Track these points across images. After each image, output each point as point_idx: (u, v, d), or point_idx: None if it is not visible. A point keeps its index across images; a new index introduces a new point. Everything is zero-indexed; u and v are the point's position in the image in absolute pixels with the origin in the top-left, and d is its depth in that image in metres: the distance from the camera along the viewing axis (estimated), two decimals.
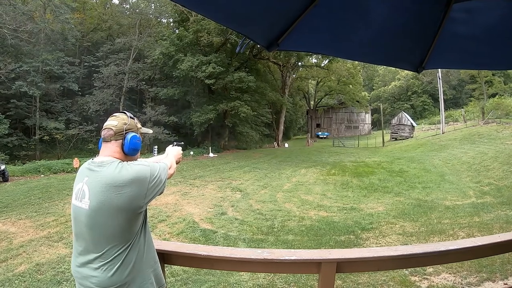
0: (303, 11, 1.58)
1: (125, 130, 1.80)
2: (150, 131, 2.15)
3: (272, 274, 5.12)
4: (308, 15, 1.60)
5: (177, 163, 2.18)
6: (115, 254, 1.66)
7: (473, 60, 2.09)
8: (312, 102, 60.13)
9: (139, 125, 1.93)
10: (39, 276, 5.66)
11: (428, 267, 5.03)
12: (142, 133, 1.96)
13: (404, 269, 4.95)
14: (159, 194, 1.82)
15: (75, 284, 1.82)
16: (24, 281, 5.49)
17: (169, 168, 1.96)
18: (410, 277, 4.84)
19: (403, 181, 14.62)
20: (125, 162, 1.75)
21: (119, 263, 1.66)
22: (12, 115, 27.19)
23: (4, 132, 24.34)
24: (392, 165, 19.62)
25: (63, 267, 6.00)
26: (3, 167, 16.05)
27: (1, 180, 15.79)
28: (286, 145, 39.86)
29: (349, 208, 10.29)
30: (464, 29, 1.76)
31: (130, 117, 1.87)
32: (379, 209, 10.06)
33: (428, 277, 4.84)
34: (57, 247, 7.13)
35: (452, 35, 1.79)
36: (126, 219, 1.67)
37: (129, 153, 1.80)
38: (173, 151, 2.22)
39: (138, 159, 1.93)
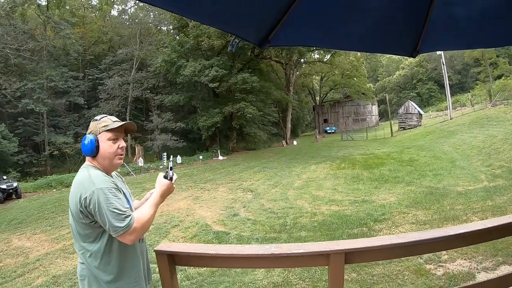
0: (291, 3, 1.56)
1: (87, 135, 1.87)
2: (114, 118, 1.94)
3: (287, 271, 5.11)
4: (297, 7, 1.58)
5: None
6: None
7: (466, 39, 2.07)
8: (317, 98, 59.88)
9: (102, 124, 1.87)
10: None
11: (442, 254, 4.99)
12: (112, 128, 1.85)
13: (419, 258, 4.92)
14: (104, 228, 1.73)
15: None
16: None
17: (138, 222, 1.76)
18: (425, 265, 4.81)
19: (413, 170, 14.50)
20: (85, 167, 1.83)
21: None
22: (21, 133, 27.66)
23: (14, 150, 24.71)
24: (401, 155, 19.48)
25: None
26: (15, 184, 16.29)
27: (14, 197, 16.01)
28: (295, 142, 39.79)
29: (360, 201, 10.23)
30: (455, 8, 1.75)
31: (94, 120, 1.91)
32: (391, 200, 9.99)
33: (443, 264, 4.80)
34: (73, 259, 7.19)
35: (443, 16, 1.77)
36: (77, 223, 1.78)
37: (85, 153, 1.86)
38: (161, 189, 1.92)
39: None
